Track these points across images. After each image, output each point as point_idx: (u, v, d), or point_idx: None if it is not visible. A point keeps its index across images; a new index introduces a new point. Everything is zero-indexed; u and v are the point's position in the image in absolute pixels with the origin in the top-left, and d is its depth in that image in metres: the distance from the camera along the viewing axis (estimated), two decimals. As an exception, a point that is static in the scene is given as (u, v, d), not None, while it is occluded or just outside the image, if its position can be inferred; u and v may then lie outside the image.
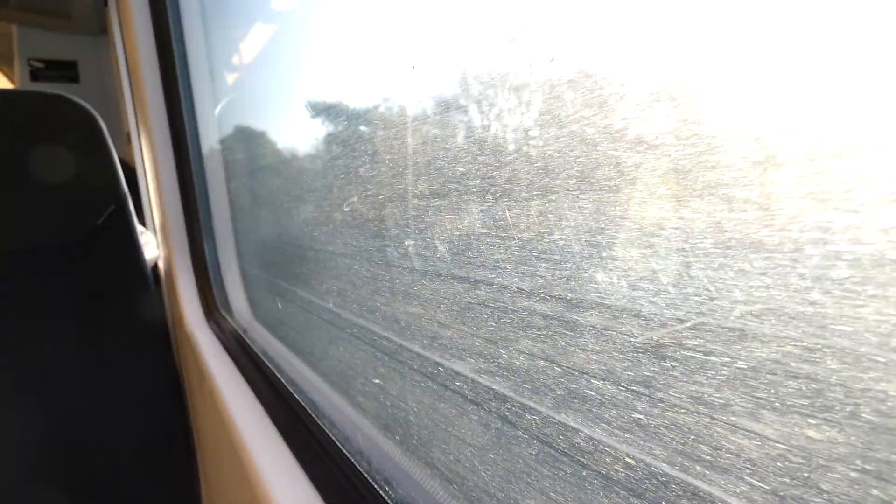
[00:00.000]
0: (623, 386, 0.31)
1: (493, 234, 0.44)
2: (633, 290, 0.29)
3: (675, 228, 0.27)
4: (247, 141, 1.20)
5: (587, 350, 0.33)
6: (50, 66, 2.84)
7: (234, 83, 1.25)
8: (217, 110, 1.29)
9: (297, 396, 0.78)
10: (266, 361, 0.92)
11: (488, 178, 0.39)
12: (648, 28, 0.28)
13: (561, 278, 0.34)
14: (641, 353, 0.29)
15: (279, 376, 0.85)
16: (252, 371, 0.92)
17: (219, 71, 1.27)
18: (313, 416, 0.72)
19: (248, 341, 1.03)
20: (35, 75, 2.82)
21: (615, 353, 0.31)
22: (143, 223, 2.49)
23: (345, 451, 0.63)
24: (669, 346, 0.28)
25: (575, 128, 0.32)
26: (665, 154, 0.27)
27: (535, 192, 0.35)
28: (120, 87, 2.48)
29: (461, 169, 0.42)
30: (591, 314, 0.32)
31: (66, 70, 2.89)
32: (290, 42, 0.97)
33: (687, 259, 0.27)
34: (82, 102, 1.32)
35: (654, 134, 0.28)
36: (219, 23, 1.25)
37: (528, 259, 0.37)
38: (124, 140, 2.87)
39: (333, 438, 0.66)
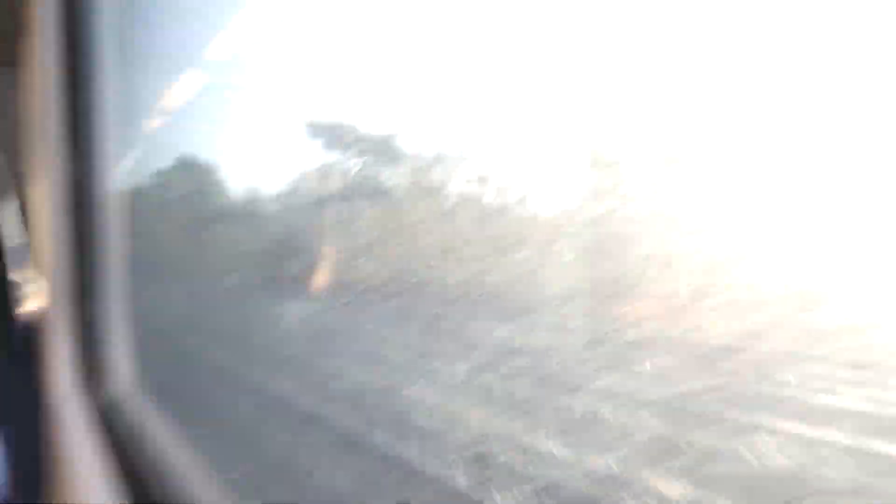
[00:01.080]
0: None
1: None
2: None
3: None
4: (154, 198, 1.12)
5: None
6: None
7: (148, 137, 1.18)
8: (127, 161, 1.21)
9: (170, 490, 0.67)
10: (139, 441, 0.80)
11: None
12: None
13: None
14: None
15: (150, 463, 0.74)
16: (120, 452, 0.80)
17: (133, 122, 1.21)
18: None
19: (124, 415, 0.90)
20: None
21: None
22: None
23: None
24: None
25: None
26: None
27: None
28: (26, 123, 2.30)
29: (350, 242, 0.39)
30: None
31: (-31, 103, 2.65)
32: (208, 108, 0.94)
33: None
34: None
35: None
36: (137, 71, 1.20)
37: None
38: (27, 179, 2.63)
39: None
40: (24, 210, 1.35)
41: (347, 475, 0.54)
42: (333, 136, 0.51)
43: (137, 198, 1.18)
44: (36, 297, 1.68)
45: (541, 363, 0.34)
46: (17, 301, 1.30)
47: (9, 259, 1.22)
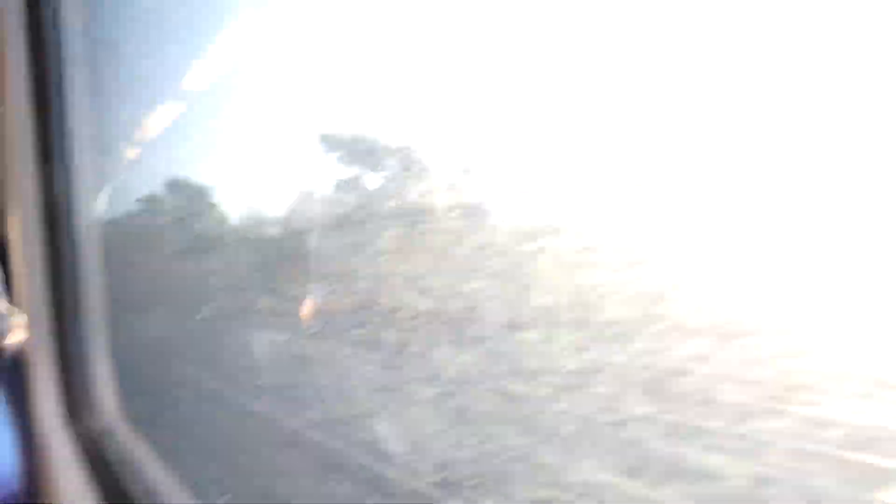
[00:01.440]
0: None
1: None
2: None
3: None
4: (134, 226, 1.12)
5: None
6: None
7: (122, 161, 1.18)
8: (102, 189, 1.20)
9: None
10: (124, 473, 0.80)
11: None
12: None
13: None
14: None
15: (136, 492, 0.74)
16: (107, 485, 0.80)
17: (105, 147, 1.20)
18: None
19: (109, 447, 0.90)
20: None
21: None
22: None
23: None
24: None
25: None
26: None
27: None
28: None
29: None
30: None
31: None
32: (183, 131, 0.94)
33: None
34: None
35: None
36: (113, 100, 1.20)
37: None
38: (2, 211, 2.60)
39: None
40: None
41: (329, 497, 0.55)
42: (340, 150, 0.51)
43: (116, 226, 1.18)
44: (19, 328, 1.67)
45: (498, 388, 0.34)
46: (3, 332, 1.29)
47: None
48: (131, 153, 1.23)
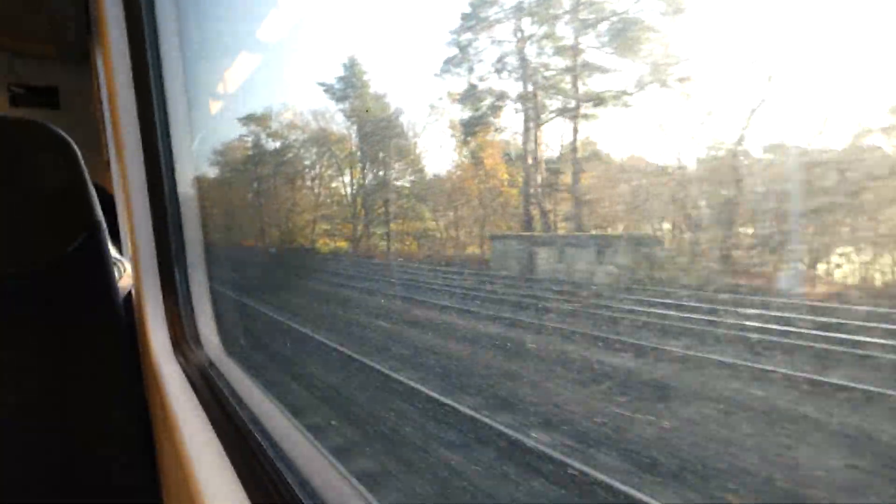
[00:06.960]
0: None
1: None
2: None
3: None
4: (222, 173, 1.19)
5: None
6: (31, 91, 2.81)
7: (212, 116, 1.25)
8: (193, 141, 1.28)
9: (258, 438, 0.75)
10: (230, 398, 0.89)
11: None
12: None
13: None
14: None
15: (241, 414, 0.82)
16: (214, 408, 0.89)
17: (196, 103, 1.27)
18: (274, 460, 0.68)
19: (214, 376, 0.99)
20: (15, 100, 2.79)
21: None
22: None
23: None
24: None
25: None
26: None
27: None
28: (101, 113, 2.47)
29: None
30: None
31: (46, 96, 2.86)
32: (266, 79, 0.97)
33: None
34: (57, 129, 1.31)
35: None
36: (197, 56, 1.26)
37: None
38: (104, 166, 2.84)
39: (295, 488, 0.62)
40: (102, 195, 1.46)
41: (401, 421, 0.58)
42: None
43: (210, 175, 1.26)
44: (129, 273, 1.85)
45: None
46: (117, 275, 1.43)
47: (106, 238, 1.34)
48: (216, 105, 1.30)
